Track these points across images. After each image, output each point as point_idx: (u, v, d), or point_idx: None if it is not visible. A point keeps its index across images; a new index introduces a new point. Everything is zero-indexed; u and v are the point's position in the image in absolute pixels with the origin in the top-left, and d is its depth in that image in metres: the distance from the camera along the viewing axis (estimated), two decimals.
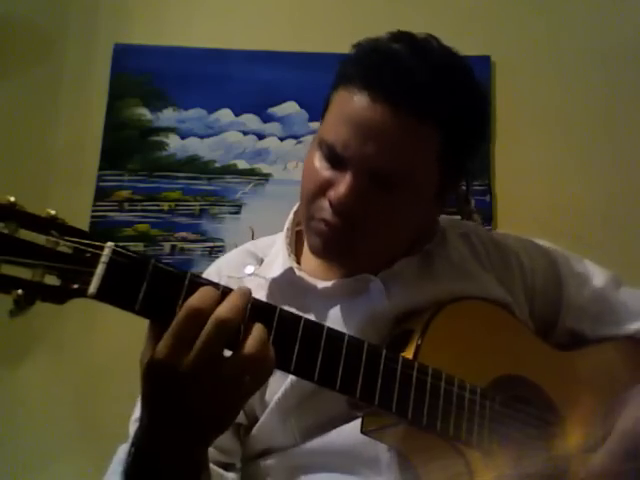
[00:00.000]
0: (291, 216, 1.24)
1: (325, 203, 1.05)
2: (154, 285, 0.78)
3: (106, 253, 0.76)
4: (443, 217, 1.26)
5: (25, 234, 0.71)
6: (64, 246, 0.74)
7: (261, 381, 0.82)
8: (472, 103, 1.10)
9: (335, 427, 1.06)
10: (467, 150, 1.12)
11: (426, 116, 1.01)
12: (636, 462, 1.00)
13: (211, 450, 1.06)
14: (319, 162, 1.07)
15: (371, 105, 1.01)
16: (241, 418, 1.13)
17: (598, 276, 1.28)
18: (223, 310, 0.78)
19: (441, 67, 1.04)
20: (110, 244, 0.77)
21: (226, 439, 1.10)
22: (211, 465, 1.05)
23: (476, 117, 1.12)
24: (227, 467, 1.11)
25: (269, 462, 1.11)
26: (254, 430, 1.12)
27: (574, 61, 2.07)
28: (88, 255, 0.75)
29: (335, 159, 1.05)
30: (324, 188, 1.06)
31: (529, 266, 1.25)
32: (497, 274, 1.21)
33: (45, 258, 0.72)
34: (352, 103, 1.03)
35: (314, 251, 1.11)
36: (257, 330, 0.80)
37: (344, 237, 1.06)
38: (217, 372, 0.78)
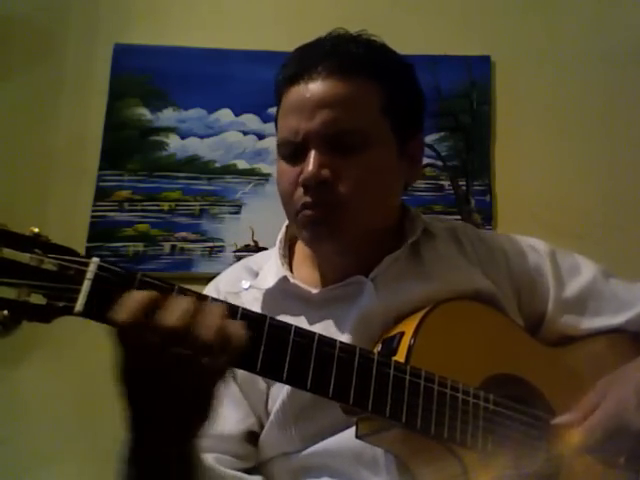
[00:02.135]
0: (283, 229, 1.25)
1: (300, 191, 1.10)
2: None
3: (91, 269, 0.76)
4: (428, 215, 1.29)
5: (9, 253, 0.70)
6: (49, 264, 0.73)
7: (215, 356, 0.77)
8: (394, 58, 1.20)
9: (335, 433, 1.06)
10: (406, 101, 1.18)
11: (354, 72, 1.11)
12: (614, 442, 1.00)
13: (229, 459, 1.10)
14: (284, 166, 1.13)
15: (302, 88, 1.11)
16: (254, 426, 1.14)
17: (587, 269, 1.27)
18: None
19: (359, 36, 1.18)
20: (95, 259, 0.76)
21: (238, 446, 1.12)
22: (234, 472, 1.08)
23: (403, 69, 1.20)
24: (250, 472, 1.12)
25: (273, 466, 1.13)
26: (259, 440, 1.13)
27: (574, 61, 2.06)
28: (72, 272, 0.74)
29: (294, 151, 1.11)
30: (296, 181, 1.10)
31: (516, 261, 1.25)
32: (483, 269, 1.21)
33: (30, 277, 0.72)
34: (288, 98, 1.12)
35: (308, 242, 1.14)
36: (177, 303, 0.77)
37: (328, 212, 1.09)
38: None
